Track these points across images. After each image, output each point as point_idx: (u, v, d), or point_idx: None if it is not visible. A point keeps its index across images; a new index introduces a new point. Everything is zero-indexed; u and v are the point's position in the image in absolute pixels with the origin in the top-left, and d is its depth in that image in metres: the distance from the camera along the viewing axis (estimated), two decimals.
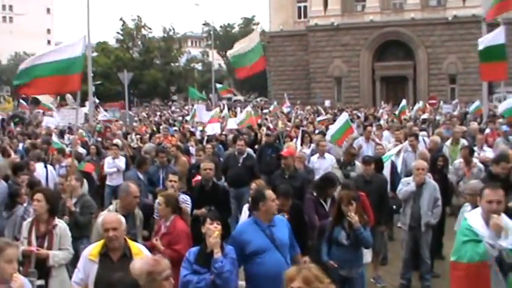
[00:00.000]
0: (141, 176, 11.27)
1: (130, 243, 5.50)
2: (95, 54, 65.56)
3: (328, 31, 54.65)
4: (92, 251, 5.44)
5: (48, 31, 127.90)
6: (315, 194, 8.45)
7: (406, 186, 9.12)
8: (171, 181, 8.76)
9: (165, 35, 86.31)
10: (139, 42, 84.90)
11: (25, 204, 8.77)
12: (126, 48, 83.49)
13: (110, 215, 5.63)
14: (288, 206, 7.37)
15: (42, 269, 6.44)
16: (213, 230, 5.60)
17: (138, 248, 5.48)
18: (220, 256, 5.50)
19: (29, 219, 6.86)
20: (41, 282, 6.40)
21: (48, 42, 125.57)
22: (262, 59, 12.37)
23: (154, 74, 79.32)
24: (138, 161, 12.15)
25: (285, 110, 33.74)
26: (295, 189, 9.00)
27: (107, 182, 14.01)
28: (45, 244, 6.57)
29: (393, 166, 11.91)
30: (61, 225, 6.86)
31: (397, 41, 53.33)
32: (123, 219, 5.53)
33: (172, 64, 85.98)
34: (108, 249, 5.36)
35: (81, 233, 8.19)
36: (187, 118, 24.18)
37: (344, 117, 14.92)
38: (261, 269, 5.90)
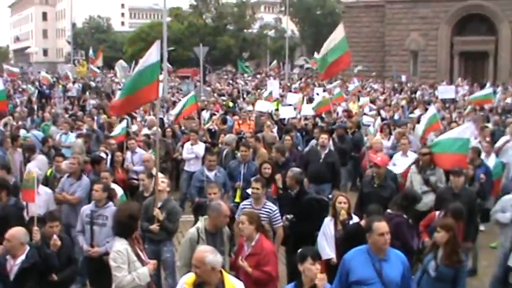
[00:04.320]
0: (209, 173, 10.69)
1: (225, 276, 5.43)
2: (168, 19, 65.67)
3: (406, 3, 52.58)
4: (187, 279, 5.41)
5: None
6: (405, 215, 7.63)
7: (504, 205, 8.45)
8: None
9: (239, 1, 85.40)
10: (212, 8, 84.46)
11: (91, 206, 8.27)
12: (199, 14, 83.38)
13: (196, 253, 5.40)
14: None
15: None
16: (315, 272, 5.36)
17: (232, 283, 5.43)
18: None
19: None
20: None
21: (122, 5, 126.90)
22: (347, 55, 11.75)
23: (227, 41, 78.89)
24: None
25: (351, 86, 30.80)
26: (384, 200, 8.54)
27: (185, 168, 13.98)
28: None
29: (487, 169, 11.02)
30: None
31: (479, 15, 50.74)
32: (207, 258, 5.24)
33: (245, 31, 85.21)
34: (201, 281, 5.29)
35: (166, 236, 8.31)
36: (265, 94, 23.64)
37: (431, 110, 13.90)
38: None
